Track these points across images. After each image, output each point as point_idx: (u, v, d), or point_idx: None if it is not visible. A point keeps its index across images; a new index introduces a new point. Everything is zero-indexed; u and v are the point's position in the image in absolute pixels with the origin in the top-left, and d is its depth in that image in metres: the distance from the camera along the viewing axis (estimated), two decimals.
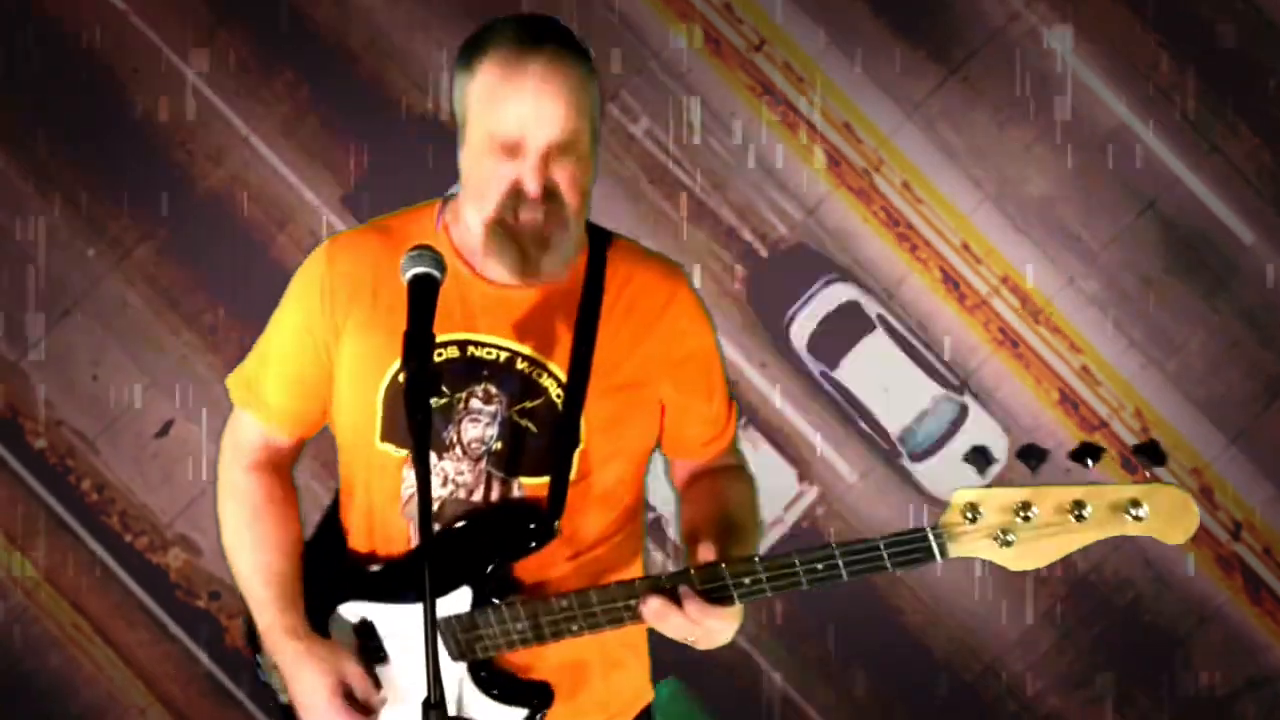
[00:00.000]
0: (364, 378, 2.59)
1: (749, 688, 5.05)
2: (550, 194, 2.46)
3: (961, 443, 4.94)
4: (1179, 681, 5.07)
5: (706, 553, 2.44)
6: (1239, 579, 5.02)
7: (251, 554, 2.78)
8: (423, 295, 2.39)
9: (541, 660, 2.63)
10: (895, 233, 4.96)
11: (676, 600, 2.41)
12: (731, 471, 2.78)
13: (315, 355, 2.64)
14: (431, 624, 2.25)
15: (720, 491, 2.71)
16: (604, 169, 4.93)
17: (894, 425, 5.01)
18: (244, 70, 4.93)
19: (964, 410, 4.95)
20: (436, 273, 2.42)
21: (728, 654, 5.03)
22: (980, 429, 4.96)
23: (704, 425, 2.72)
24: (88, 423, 5.05)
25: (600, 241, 2.64)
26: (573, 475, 2.59)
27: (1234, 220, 4.94)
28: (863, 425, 5.02)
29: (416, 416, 2.29)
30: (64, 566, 5.06)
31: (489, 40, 2.49)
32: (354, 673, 2.62)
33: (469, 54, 2.50)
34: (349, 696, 2.61)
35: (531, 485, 2.59)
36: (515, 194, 2.45)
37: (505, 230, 2.46)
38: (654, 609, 2.42)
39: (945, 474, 5.00)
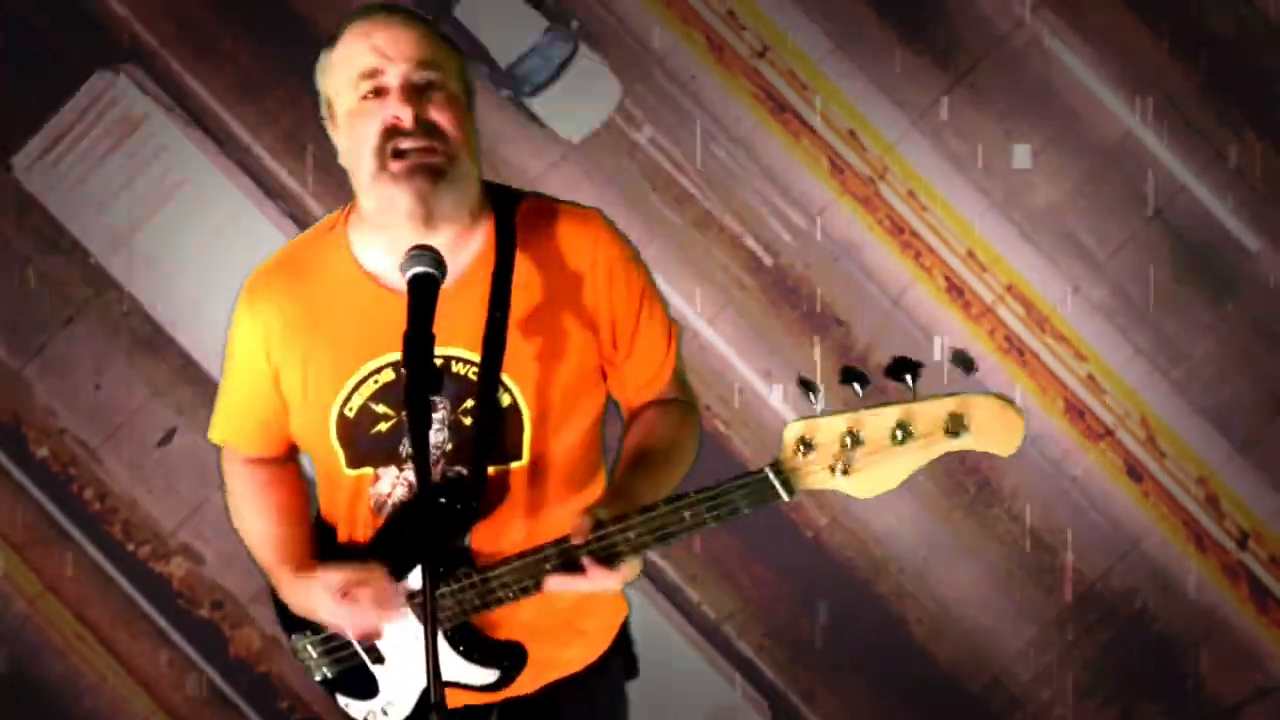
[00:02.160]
0: (313, 417, 2.62)
1: (753, 698, 5.03)
2: (428, 127, 2.45)
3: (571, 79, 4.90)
4: (1186, 691, 5.05)
5: (585, 520, 2.45)
6: (1245, 588, 5.00)
7: (254, 524, 2.83)
8: (422, 295, 2.38)
9: (516, 617, 2.66)
10: (899, 240, 4.95)
11: (578, 569, 2.45)
12: (669, 404, 2.78)
13: (263, 397, 2.68)
14: (432, 624, 2.24)
15: (648, 421, 2.71)
16: (607, 176, 4.93)
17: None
18: (246, 79, 4.93)
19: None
20: (436, 272, 2.41)
21: (733, 662, 5.02)
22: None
23: (642, 366, 2.73)
24: (90, 431, 5.05)
25: (508, 208, 2.62)
26: (524, 459, 2.60)
27: (1240, 228, 4.93)
28: None
29: (416, 414, 2.29)
30: (66, 576, 5.06)
31: (341, 26, 2.55)
32: (345, 577, 2.64)
33: (334, 38, 2.56)
34: (355, 595, 2.64)
35: (492, 473, 2.61)
36: (390, 132, 2.44)
37: (391, 176, 2.45)
38: (559, 584, 2.46)
39: None
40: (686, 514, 2.37)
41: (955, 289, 4.97)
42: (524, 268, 2.56)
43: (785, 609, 5.03)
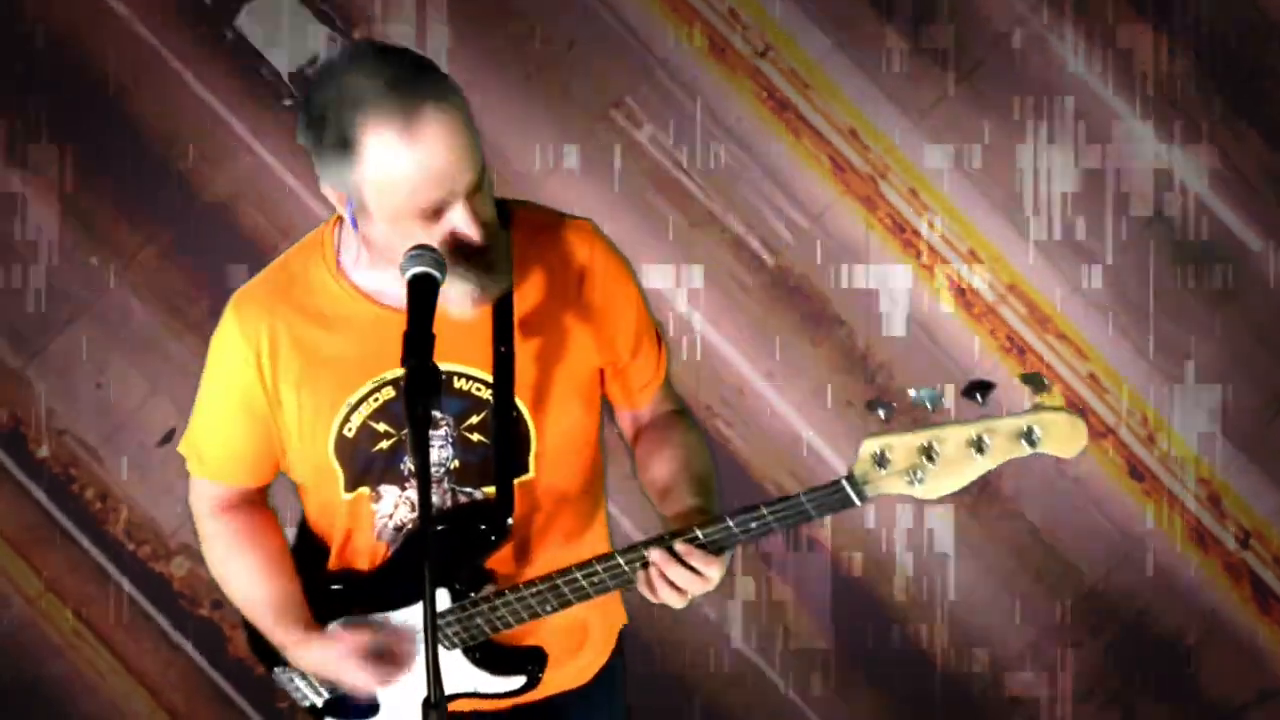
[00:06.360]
0: (311, 437, 2.61)
1: (751, 698, 5.02)
2: (485, 232, 2.44)
3: None
4: (1187, 693, 5.04)
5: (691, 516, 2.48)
6: (1248, 588, 4.99)
7: (241, 587, 2.81)
8: (422, 295, 2.37)
9: (538, 626, 2.66)
10: (901, 239, 4.94)
11: (678, 559, 2.45)
12: (679, 420, 2.81)
13: (252, 419, 2.65)
14: (431, 625, 2.24)
15: (678, 445, 2.74)
16: (608, 176, 4.92)
17: None
18: (247, 76, 4.92)
19: None
20: (436, 273, 2.40)
21: (731, 659, 5.02)
22: None
23: (636, 373, 2.74)
24: (91, 431, 5.04)
25: (502, 220, 2.60)
26: (531, 473, 2.60)
27: (1242, 227, 4.92)
28: None
29: (417, 412, 2.27)
30: (66, 575, 5.06)
31: (362, 107, 2.34)
32: (371, 639, 2.64)
33: (339, 127, 2.35)
34: (382, 658, 2.64)
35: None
36: (453, 245, 2.42)
37: (453, 275, 2.43)
38: (660, 564, 2.43)
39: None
40: (753, 524, 2.42)
41: (957, 288, 4.97)
42: (522, 279, 2.55)
43: (785, 606, 5.02)
